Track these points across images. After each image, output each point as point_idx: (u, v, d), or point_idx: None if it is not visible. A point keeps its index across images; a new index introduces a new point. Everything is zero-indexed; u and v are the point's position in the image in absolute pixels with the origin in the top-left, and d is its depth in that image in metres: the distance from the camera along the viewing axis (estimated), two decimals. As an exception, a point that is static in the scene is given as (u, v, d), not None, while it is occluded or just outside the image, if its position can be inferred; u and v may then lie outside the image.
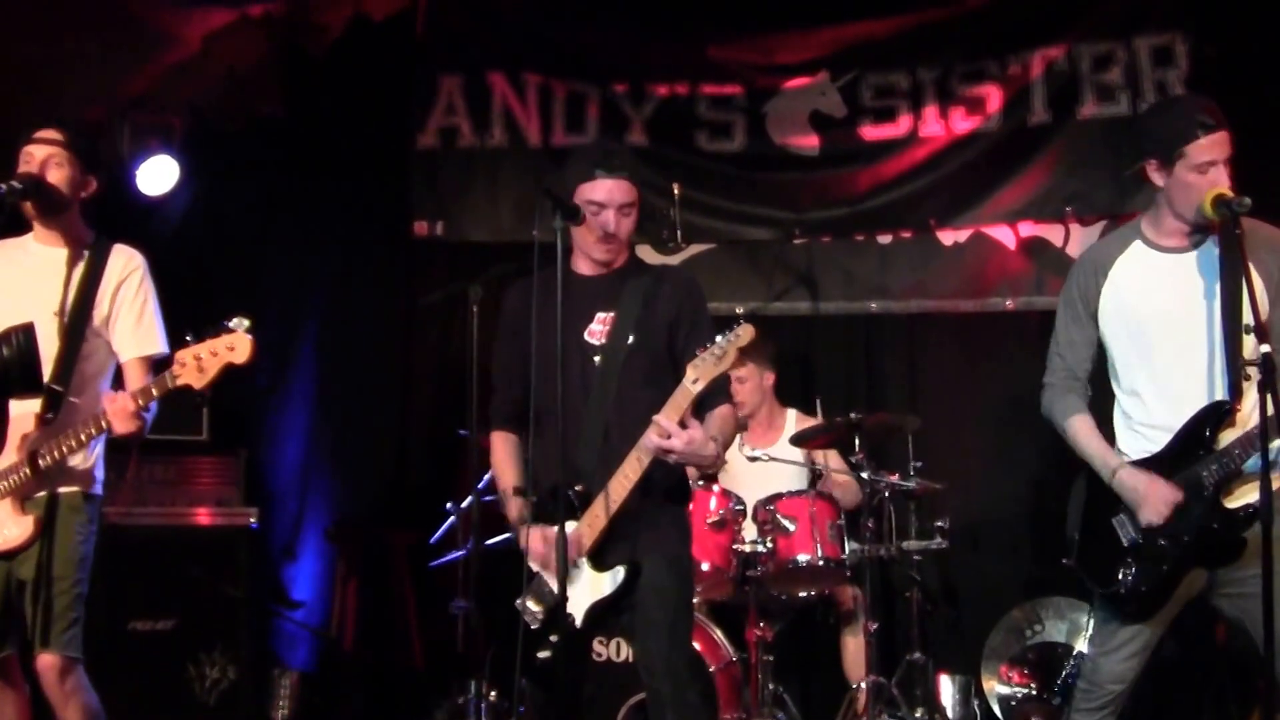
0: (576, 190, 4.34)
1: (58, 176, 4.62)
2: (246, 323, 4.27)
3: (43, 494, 4.52)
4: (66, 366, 4.54)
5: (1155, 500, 4.18)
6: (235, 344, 4.23)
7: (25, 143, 4.65)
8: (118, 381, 4.72)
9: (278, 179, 7.78)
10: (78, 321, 4.59)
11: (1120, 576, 4.26)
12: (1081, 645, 6.46)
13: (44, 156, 4.61)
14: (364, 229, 7.91)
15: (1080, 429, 4.44)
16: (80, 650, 4.51)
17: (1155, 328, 4.31)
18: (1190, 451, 4.19)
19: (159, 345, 4.71)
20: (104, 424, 4.41)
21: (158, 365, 4.65)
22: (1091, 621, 6.13)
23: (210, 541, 6.72)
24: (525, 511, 4.33)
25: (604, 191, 4.32)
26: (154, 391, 4.37)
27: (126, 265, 4.73)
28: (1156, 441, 4.28)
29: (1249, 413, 4.10)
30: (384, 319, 7.94)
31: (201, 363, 4.24)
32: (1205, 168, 4.15)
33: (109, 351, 4.72)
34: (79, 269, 4.65)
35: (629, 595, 4.25)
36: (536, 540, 4.29)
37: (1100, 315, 4.43)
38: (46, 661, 4.44)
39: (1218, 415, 4.16)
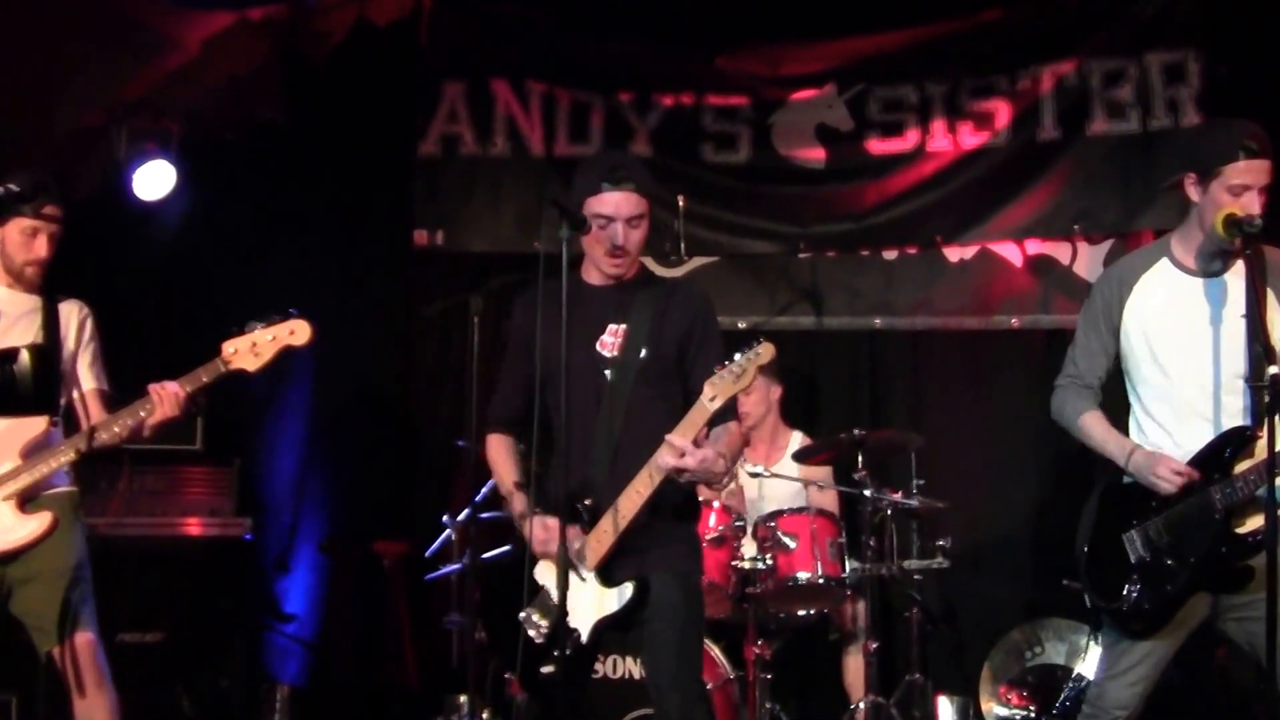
0: (584, 204, 4.30)
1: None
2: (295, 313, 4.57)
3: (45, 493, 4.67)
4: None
5: (1164, 471, 4.21)
6: (295, 328, 4.62)
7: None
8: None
9: (277, 186, 7.72)
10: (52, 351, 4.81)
11: (1125, 593, 4.29)
12: (1081, 668, 6.40)
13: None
14: (364, 237, 7.88)
15: (1093, 424, 4.51)
16: None
17: (1173, 347, 4.34)
18: (1206, 474, 4.20)
19: (107, 383, 4.99)
20: (147, 409, 4.58)
21: (108, 402, 4.89)
22: (1092, 645, 6.11)
23: (202, 553, 6.69)
24: (529, 505, 4.29)
25: (611, 205, 4.27)
26: (204, 378, 4.61)
27: (81, 310, 4.97)
28: None
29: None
30: (383, 329, 7.90)
31: (257, 348, 4.61)
32: (1239, 190, 4.19)
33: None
34: (40, 314, 4.85)
35: (637, 611, 4.22)
36: (539, 529, 4.24)
37: (1122, 330, 4.45)
38: (85, 640, 4.58)
39: (1238, 441, 4.18)
